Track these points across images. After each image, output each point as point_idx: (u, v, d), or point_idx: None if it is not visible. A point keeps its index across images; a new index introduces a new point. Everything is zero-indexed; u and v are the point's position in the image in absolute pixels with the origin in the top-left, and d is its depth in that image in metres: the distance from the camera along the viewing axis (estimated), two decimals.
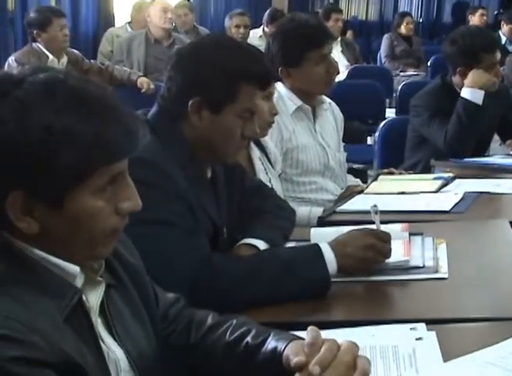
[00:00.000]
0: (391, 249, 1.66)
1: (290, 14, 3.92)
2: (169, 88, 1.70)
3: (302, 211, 2.54)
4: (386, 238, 1.67)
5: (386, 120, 4.01)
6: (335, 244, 1.64)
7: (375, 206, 1.73)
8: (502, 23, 8.11)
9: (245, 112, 1.68)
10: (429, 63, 7.33)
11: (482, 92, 3.15)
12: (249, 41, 6.66)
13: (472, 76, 3.17)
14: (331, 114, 2.93)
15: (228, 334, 1.25)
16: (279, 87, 2.74)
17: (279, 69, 2.69)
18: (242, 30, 6.41)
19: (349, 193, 2.65)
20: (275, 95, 2.61)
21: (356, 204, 2.38)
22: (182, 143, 1.68)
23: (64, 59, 4.71)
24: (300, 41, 2.66)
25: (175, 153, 1.64)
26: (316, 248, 1.63)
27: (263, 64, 1.75)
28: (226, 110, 1.66)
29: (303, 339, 1.15)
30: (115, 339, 1.12)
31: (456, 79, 3.28)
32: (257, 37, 7.04)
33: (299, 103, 2.74)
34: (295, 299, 1.53)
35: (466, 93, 3.15)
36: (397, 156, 3.52)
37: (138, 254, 1.26)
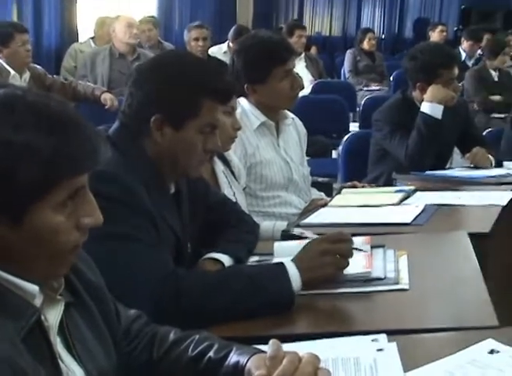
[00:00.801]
0: (349, 248, 1.66)
1: (252, 31, 3.93)
2: (130, 104, 1.69)
3: (266, 225, 2.54)
4: (341, 238, 1.68)
5: (349, 134, 4.05)
6: (297, 259, 1.64)
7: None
8: (463, 39, 8.23)
9: (207, 127, 1.68)
10: (391, 78, 7.41)
11: (441, 107, 3.19)
12: (214, 55, 6.70)
13: (431, 91, 3.21)
14: (294, 129, 2.95)
15: (190, 349, 1.24)
16: (243, 102, 2.75)
17: (245, 85, 2.70)
18: (201, 42, 6.38)
19: (313, 207, 2.66)
20: (239, 110, 2.63)
21: (320, 217, 2.40)
22: (143, 159, 1.67)
23: (26, 75, 4.66)
24: (264, 58, 2.67)
25: (137, 168, 1.63)
26: (280, 264, 1.62)
27: (223, 79, 1.76)
28: (188, 125, 1.66)
29: (265, 353, 1.15)
30: (75, 358, 1.10)
31: (415, 94, 3.32)
32: (221, 52, 7.07)
33: (263, 118, 2.75)
34: (260, 315, 1.52)
35: (425, 108, 3.20)
36: (360, 169, 3.55)
37: (98, 271, 1.24)
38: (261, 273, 1.61)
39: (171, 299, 1.51)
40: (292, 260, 1.64)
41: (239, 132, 2.49)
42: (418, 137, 3.17)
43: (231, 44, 7.04)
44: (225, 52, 7.06)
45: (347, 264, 1.66)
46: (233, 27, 7.22)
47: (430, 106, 3.19)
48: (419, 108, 3.26)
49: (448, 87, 3.24)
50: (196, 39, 6.44)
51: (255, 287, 1.56)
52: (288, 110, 2.92)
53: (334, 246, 1.66)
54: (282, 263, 1.63)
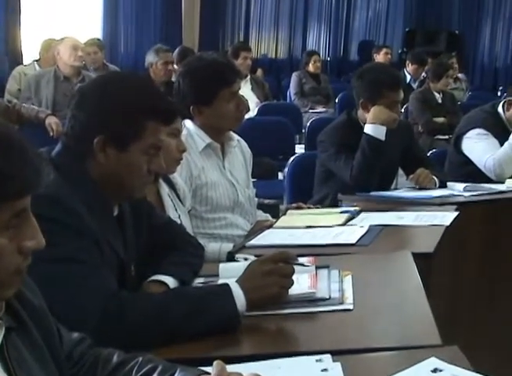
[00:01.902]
0: (292, 269, 1.67)
1: (198, 53, 3.95)
2: (72, 125, 1.69)
3: (212, 247, 2.56)
4: (284, 258, 1.70)
5: (294, 155, 4.09)
6: (241, 280, 1.65)
7: None
8: (407, 62, 8.40)
9: (151, 148, 1.69)
10: (337, 100, 7.51)
11: (384, 128, 3.25)
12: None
13: (373, 112, 3.27)
14: (240, 151, 2.97)
15: (134, 371, 1.24)
16: (189, 124, 2.76)
17: (191, 107, 2.72)
18: (170, 66, 6.36)
19: (258, 228, 2.68)
20: (185, 132, 2.64)
21: (265, 238, 2.41)
22: (86, 181, 1.67)
23: None
24: (210, 80, 2.70)
25: (80, 191, 1.62)
26: (225, 286, 1.63)
27: (166, 100, 1.77)
28: (132, 146, 1.67)
29: (209, 374, 1.16)
30: None
31: (360, 113, 3.38)
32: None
33: (208, 140, 2.76)
34: (205, 336, 1.53)
35: (368, 129, 3.25)
36: (306, 190, 3.59)
37: (40, 295, 1.24)
38: (205, 295, 1.62)
39: (115, 322, 1.51)
40: (236, 281, 1.65)
41: (185, 154, 2.50)
42: (362, 158, 3.22)
43: (176, 66, 7.07)
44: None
45: (292, 283, 1.67)
46: (177, 49, 7.26)
47: (373, 127, 3.24)
48: (363, 128, 3.33)
49: (392, 109, 3.31)
50: (166, 63, 6.40)
51: (200, 309, 1.56)
52: (234, 132, 2.94)
53: (278, 266, 1.68)
54: (226, 284, 1.64)
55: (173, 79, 6.42)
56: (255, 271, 1.67)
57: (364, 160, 3.21)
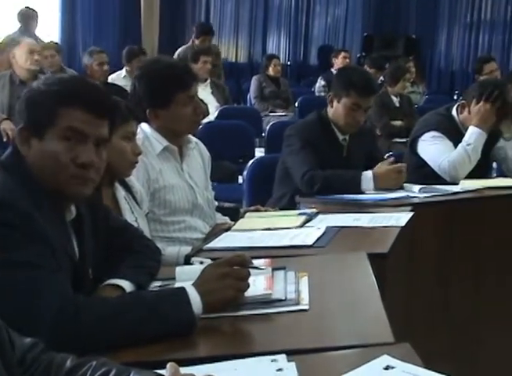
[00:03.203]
0: (247, 272, 1.68)
1: (155, 56, 3.95)
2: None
3: (171, 250, 2.56)
4: (240, 261, 1.70)
5: (254, 159, 4.10)
6: (197, 284, 1.64)
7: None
8: (366, 66, 8.47)
9: (66, 131, 1.64)
10: (297, 104, 7.55)
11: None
12: (114, 81, 6.73)
13: (381, 177, 3.28)
14: (198, 153, 2.97)
15: (88, 375, 1.23)
16: (145, 127, 2.75)
17: (147, 110, 2.71)
18: (105, 67, 6.49)
19: (217, 231, 2.68)
20: (141, 135, 2.64)
21: (223, 241, 2.42)
22: (28, 180, 1.63)
23: None
24: (167, 83, 2.69)
25: (30, 193, 1.60)
26: (181, 289, 1.63)
27: (94, 90, 1.73)
28: (48, 133, 1.64)
29: None
30: None
31: (328, 108, 3.44)
32: (121, 77, 7.14)
33: (165, 143, 2.76)
34: (161, 340, 1.52)
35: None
36: (266, 193, 3.60)
37: None
38: (161, 298, 1.61)
39: (70, 326, 1.49)
40: (192, 284, 1.65)
41: (142, 157, 2.50)
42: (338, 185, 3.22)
43: (127, 67, 7.17)
44: (124, 77, 7.15)
45: (248, 286, 1.67)
46: (125, 50, 7.34)
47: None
48: (332, 128, 3.37)
49: (355, 113, 3.36)
50: (101, 64, 6.47)
51: (155, 312, 1.55)
52: (193, 135, 2.94)
53: (233, 269, 1.68)
54: (182, 287, 1.63)
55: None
56: (211, 274, 1.67)
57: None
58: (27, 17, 7.87)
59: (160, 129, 2.76)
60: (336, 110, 3.44)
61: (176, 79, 2.71)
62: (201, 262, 1.99)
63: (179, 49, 7.91)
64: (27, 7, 8.01)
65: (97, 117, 1.68)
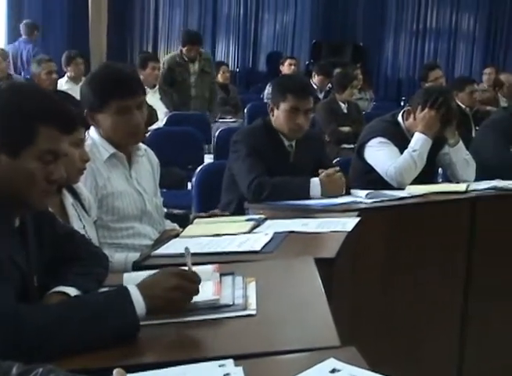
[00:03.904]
0: (198, 289, 1.68)
1: (105, 62, 3.93)
2: None
3: (119, 257, 2.55)
4: (193, 278, 1.70)
5: (202, 165, 4.10)
6: (143, 286, 1.64)
7: (187, 248, 1.78)
8: (314, 73, 8.55)
9: (45, 154, 1.65)
10: (246, 111, 7.57)
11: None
12: (59, 86, 6.72)
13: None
14: (147, 160, 2.96)
15: None
16: (93, 134, 2.73)
17: (85, 111, 2.68)
18: (54, 75, 6.50)
19: (165, 237, 2.67)
20: (89, 142, 2.62)
21: (171, 247, 2.41)
22: None
23: None
24: (105, 88, 2.67)
25: None
26: (124, 291, 1.62)
27: (64, 106, 1.73)
28: (24, 152, 1.63)
29: None
30: None
31: (272, 117, 3.46)
32: (64, 82, 7.16)
33: (112, 150, 2.74)
34: (106, 345, 1.52)
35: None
36: (215, 199, 3.60)
37: None
38: (103, 300, 1.61)
39: (13, 335, 1.47)
40: (137, 285, 1.65)
41: (90, 164, 2.48)
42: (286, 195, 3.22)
43: (67, 71, 7.28)
44: (66, 81, 7.24)
45: (192, 304, 1.68)
46: (64, 54, 7.37)
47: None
48: (277, 134, 3.40)
49: (296, 116, 3.39)
50: (49, 73, 6.45)
51: (98, 315, 1.55)
52: (142, 141, 2.92)
53: (186, 284, 1.67)
54: (125, 288, 1.63)
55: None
56: (162, 281, 1.67)
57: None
58: None
59: (104, 136, 2.74)
60: (277, 117, 3.46)
61: (113, 85, 2.67)
62: None
63: (166, 57, 7.81)
64: None
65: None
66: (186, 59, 7.15)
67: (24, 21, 8.96)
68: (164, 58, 11.02)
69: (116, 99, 2.65)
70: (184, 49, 7.21)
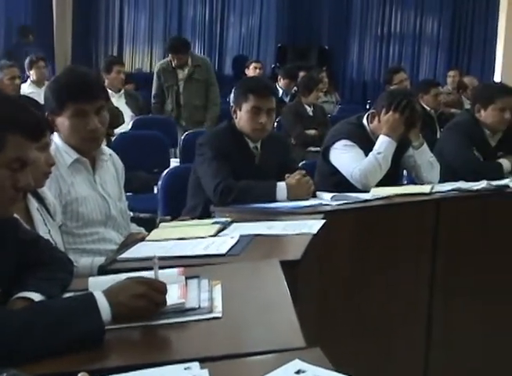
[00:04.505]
0: (165, 300, 1.68)
1: (70, 65, 3.91)
2: None
3: (84, 261, 2.54)
4: (161, 288, 1.69)
5: (168, 168, 4.10)
6: (109, 293, 1.63)
7: (155, 258, 1.77)
8: (279, 76, 8.58)
9: (13, 162, 1.65)
10: None
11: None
12: (23, 91, 6.68)
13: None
14: (112, 164, 2.95)
15: None
16: (56, 139, 2.72)
17: (46, 115, 2.67)
18: (17, 81, 6.44)
19: (131, 241, 2.66)
20: (53, 147, 2.60)
21: (137, 251, 2.40)
22: None
23: None
24: (63, 90, 2.66)
25: None
26: (90, 297, 1.62)
27: (31, 114, 1.73)
28: None
29: None
30: None
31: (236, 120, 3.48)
32: (27, 85, 7.16)
33: (75, 155, 2.73)
34: (70, 350, 1.51)
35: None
36: (181, 203, 3.60)
37: None
38: (68, 305, 1.60)
39: None
40: (104, 291, 1.64)
41: (54, 169, 2.47)
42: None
43: (29, 75, 7.25)
44: (30, 85, 7.19)
45: (155, 311, 1.67)
46: (27, 58, 7.34)
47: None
48: (242, 136, 3.43)
49: (258, 115, 3.40)
50: (12, 78, 6.41)
51: (62, 320, 1.54)
52: (108, 145, 2.92)
53: (153, 293, 1.66)
54: (91, 293, 1.62)
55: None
56: (129, 289, 1.66)
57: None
58: None
59: (66, 142, 2.72)
60: (240, 119, 3.47)
61: (70, 89, 2.66)
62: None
63: (158, 63, 7.61)
64: None
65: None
66: (174, 66, 6.95)
67: None
68: (129, 61, 11.06)
69: (72, 102, 2.64)
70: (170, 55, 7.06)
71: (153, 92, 7.04)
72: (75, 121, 2.67)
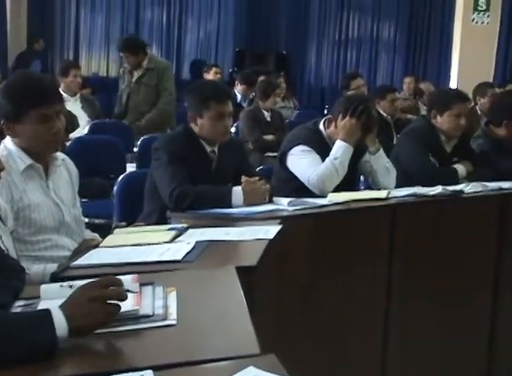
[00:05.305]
0: (120, 293, 1.64)
1: (19, 70, 3.84)
2: None
3: (36, 268, 2.50)
4: (111, 283, 1.67)
5: (124, 174, 4.07)
6: (65, 306, 1.59)
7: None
8: (237, 82, 8.59)
9: None
10: None
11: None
12: None
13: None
14: (65, 170, 2.91)
15: None
16: (8, 144, 2.68)
17: (2, 123, 2.63)
18: None
19: (84, 247, 2.63)
20: (5, 152, 2.57)
21: (91, 258, 2.38)
22: None
23: None
24: (23, 98, 2.62)
25: None
26: (46, 312, 1.57)
27: None
28: None
29: None
30: None
31: (192, 126, 3.46)
32: None
33: (29, 161, 2.69)
34: (22, 364, 1.48)
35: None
36: (138, 209, 3.58)
37: None
38: (23, 321, 1.55)
39: None
40: (60, 306, 1.61)
41: (6, 176, 2.43)
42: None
43: None
44: None
45: (119, 309, 1.63)
46: None
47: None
48: (199, 141, 3.41)
49: (220, 121, 3.41)
50: None
51: (16, 335, 1.50)
52: (63, 150, 2.88)
53: (104, 291, 1.64)
54: (48, 310, 1.59)
55: None
56: (80, 296, 1.63)
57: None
58: None
59: (20, 146, 2.69)
60: (202, 126, 3.46)
61: (31, 94, 2.63)
62: (70, 286, 1.91)
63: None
64: None
65: None
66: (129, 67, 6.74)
67: None
68: (85, 65, 10.97)
69: (36, 109, 2.61)
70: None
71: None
72: (39, 127, 2.64)
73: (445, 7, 11.87)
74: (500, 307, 3.78)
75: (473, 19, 11.13)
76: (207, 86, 3.58)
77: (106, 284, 1.67)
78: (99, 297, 1.62)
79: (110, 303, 1.63)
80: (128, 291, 1.71)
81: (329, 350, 3.12)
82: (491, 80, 10.36)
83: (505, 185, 3.92)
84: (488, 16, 11.11)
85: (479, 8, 11.09)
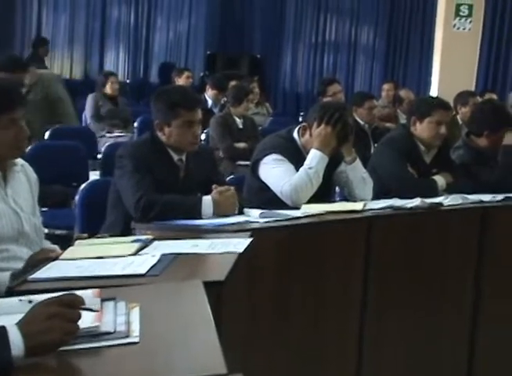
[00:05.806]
0: (78, 313, 1.64)
1: None
2: None
3: None
4: (71, 301, 1.66)
5: (86, 182, 4.05)
6: (22, 324, 1.57)
7: None
8: (208, 87, 8.58)
9: None
10: (136, 124, 7.53)
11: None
12: None
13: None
14: (24, 176, 2.90)
15: None
16: None
17: None
18: None
19: (42, 257, 2.60)
20: None
21: (50, 271, 2.36)
22: None
23: None
24: None
25: None
26: (1, 329, 1.54)
27: None
28: None
29: None
30: None
31: (160, 134, 3.46)
32: None
33: None
34: None
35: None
36: (100, 219, 3.56)
37: None
38: None
39: None
40: (17, 323, 1.59)
41: None
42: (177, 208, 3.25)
43: None
44: None
45: (77, 329, 1.62)
46: None
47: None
48: (165, 148, 3.40)
49: (189, 129, 3.41)
50: None
51: None
52: (22, 156, 2.87)
53: (63, 309, 1.62)
54: (3, 327, 1.58)
55: None
56: (38, 314, 1.61)
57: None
58: None
59: None
60: (170, 134, 3.46)
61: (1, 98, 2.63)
62: (30, 301, 1.90)
63: None
64: None
65: None
66: None
67: None
68: (47, 66, 10.90)
69: (5, 113, 2.62)
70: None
71: None
72: (6, 132, 2.64)
73: (426, 12, 11.97)
74: (480, 335, 3.81)
75: (454, 25, 11.23)
76: (175, 92, 3.57)
77: (66, 302, 1.66)
78: (59, 314, 1.61)
79: (70, 322, 1.62)
80: (88, 309, 1.70)
81: (301, 367, 3.13)
82: (473, 87, 10.49)
83: (486, 197, 3.96)
84: (470, 22, 11.23)
85: (461, 13, 11.21)
